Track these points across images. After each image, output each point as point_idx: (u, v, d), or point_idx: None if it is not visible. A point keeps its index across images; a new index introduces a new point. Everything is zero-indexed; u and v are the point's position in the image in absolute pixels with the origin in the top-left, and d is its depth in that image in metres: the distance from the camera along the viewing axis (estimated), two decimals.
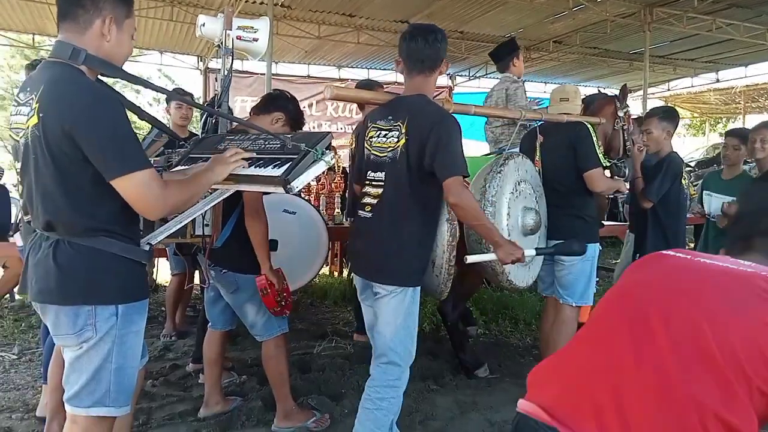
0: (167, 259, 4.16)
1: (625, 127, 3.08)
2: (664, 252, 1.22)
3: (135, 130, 1.54)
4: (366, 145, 2.23)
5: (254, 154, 1.83)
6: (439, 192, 2.08)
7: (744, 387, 0.94)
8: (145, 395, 2.92)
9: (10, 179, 5.12)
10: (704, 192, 3.73)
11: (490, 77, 12.13)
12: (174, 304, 4.07)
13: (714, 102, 15.85)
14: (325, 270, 6.24)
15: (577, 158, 2.77)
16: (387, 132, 2.14)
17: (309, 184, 4.33)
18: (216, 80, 6.34)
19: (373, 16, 8.93)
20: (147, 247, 1.70)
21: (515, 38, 4.57)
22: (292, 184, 1.66)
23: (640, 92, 9.64)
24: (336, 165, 4.72)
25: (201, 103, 6.94)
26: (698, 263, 1.13)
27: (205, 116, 2.68)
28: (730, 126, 16.95)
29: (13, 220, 4.00)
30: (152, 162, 1.86)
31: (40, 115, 1.45)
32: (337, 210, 4.47)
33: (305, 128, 2.78)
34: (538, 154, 2.87)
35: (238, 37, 2.53)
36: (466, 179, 2.09)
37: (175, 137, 2.28)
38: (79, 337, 1.53)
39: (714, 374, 0.95)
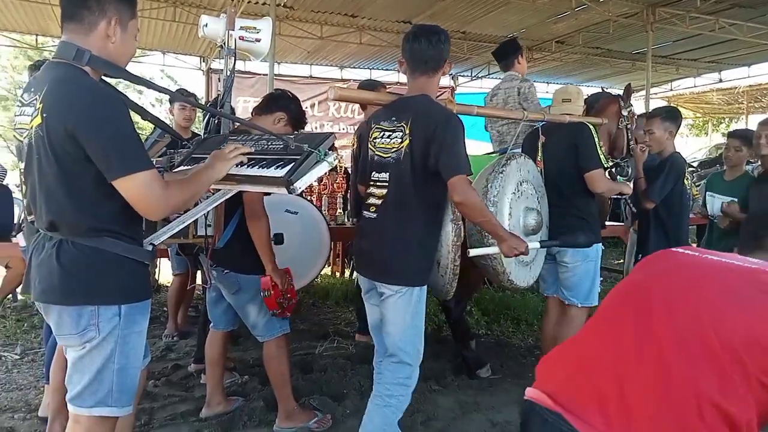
0: (169, 260, 4.17)
1: (629, 127, 3.08)
2: (673, 249, 1.25)
3: (138, 131, 1.54)
4: (370, 146, 2.24)
5: (253, 149, 1.83)
6: (443, 192, 2.09)
7: (743, 378, 0.96)
8: (147, 395, 2.92)
9: (13, 179, 5.13)
10: (707, 193, 3.73)
11: (492, 77, 12.11)
12: (176, 305, 4.08)
13: (717, 102, 15.83)
14: (327, 270, 6.25)
15: (578, 158, 2.78)
16: (391, 133, 2.15)
17: (311, 184, 4.33)
18: (218, 81, 6.35)
19: (375, 16, 8.92)
20: (150, 248, 1.70)
21: (517, 38, 4.57)
22: (295, 184, 1.66)
23: (643, 92, 9.60)
24: (338, 165, 4.74)
25: (203, 103, 6.96)
26: (705, 260, 1.16)
27: (207, 117, 2.68)
28: (733, 126, 16.93)
29: (16, 221, 4.01)
30: (154, 162, 1.87)
31: (44, 115, 1.46)
32: (339, 210, 4.47)
33: (307, 129, 2.78)
34: (540, 154, 2.87)
35: (241, 38, 2.53)
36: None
37: (178, 137, 2.28)
38: (82, 337, 1.54)
39: (713, 365, 0.98)
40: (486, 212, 2.12)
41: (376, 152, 2.20)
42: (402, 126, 2.11)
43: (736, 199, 3.34)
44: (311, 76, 11.69)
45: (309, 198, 4.44)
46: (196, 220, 2.13)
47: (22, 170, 1.63)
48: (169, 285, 4.50)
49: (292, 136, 1.87)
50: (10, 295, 4.83)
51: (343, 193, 4.68)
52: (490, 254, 2.33)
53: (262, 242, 2.37)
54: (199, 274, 4.11)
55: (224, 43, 2.51)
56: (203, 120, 2.96)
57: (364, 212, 2.23)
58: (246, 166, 1.80)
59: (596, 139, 2.81)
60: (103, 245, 1.53)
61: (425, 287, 2.15)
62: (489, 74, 12.43)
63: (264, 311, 2.47)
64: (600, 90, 3.53)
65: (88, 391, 1.56)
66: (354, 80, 10.85)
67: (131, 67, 1.69)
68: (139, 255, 1.62)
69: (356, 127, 4.49)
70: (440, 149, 1.99)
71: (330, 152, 1.74)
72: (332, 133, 1.88)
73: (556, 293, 3.03)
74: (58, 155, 1.46)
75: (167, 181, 1.58)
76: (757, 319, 0.99)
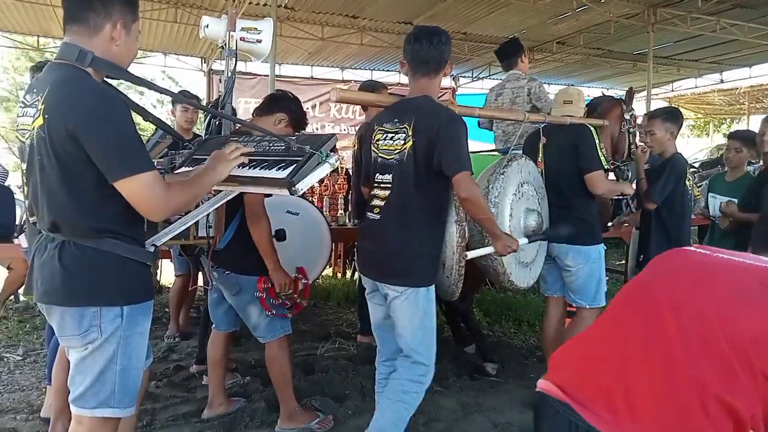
0: (171, 261, 4.17)
1: (631, 130, 3.09)
2: (684, 248, 1.28)
3: (139, 132, 1.54)
4: (373, 148, 2.25)
5: (254, 150, 1.83)
6: (446, 193, 2.12)
7: (749, 376, 0.98)
8: (149, 396, 2.92)
9: (15, 181, 5.14)
10: (709, 194, 3.73)
11: (493, 78, 12.12)
12: (178, 306, 4.08)
13: (718, 103, 15.84)
14: (329, 271, 6.25)
15: (578, 159, 2.78)
16: (394, 134, 2.16)
17: (312, 185, 4.34)
18: (219, 82, 6.36)
19: (376, 17, 8.93)
20: (152, 249, 1.70)
21: (518, 39, 4.59)
22: (297, 186, 1.66)
23: (644, 93, 9.60)
24: (339, 166, 4.74)
25: (204, 104, 6.96)
26: (716, 258, 1.18)
27: (208, 118, 2.68)
28: (735, 127, 16.91)
29: (17, 222, 4.01)
30: (155, 163, 1.87)
31: (46, 116, 1.46)
32: (340, 211, 4.48)
33: (308, 129, 2.79)
34: (540, 155, 2.87)
35: (242, 39, 2.54)
36: None
37: (180, 138, 2.29)
38: (84, 338, 1.54)
39: (719, 361, 0.99)
40: (488, 210, 2.18)
41: (379, 154, 2.21)
42: (405, 127, 2.11)
43: (734, 200, 3.35)
44: (312, 77, 11.71)
45: (310, 199, 4.44)
46: (197, 221, 2.13)
47: (24, 171, 1.64)
48: (170, 286, 4.50)
49: (293, 138, 1.87)
50: (12, 297, 4.83)
51: (344, 194, 4.68)
52: (485, 254, 2.34)
53: (264, 243, 2.37)
54: (200, 275, 4.13)
55: (225, 44, 2.52)
56: (204, 121, 2.96)
57: (368, 213, 2.24)
58: (248, 167, 1.80)
59: (597, 141, 2.82)
60: (104, 246, 1.53)
61: (432, 288, 2.16)
62: (490, 75, 12.43)
63: (266, 312, 2.47)
64: (601, 93, 3.54)
65: (91, 392, 1.56)
66: (355, 81, 10.87)
67: (133, 69, 1.69)
68: (141, 256, 1.62)
69: (357, 128, 4.50)
70: (444, 148, 2.01)
71: (331, 154, 1.74)
72: (334, 134, 1.88)
73: (556, 294, 3.03)
74: (59, 156, 1.46)
75: (169, 183, 1.58)
76: (766, 318, 1.00)
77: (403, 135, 2.11)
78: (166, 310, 4.44)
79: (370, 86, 3.57)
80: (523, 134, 3.10)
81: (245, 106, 9.67)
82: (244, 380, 3.25)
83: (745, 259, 1.16)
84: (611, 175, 3.15)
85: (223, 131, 2.52)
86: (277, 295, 2.43)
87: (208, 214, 2.14)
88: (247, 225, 2.36)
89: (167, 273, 5.42)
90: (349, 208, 4.38)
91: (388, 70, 11.91)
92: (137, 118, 1.68)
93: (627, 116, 3.09)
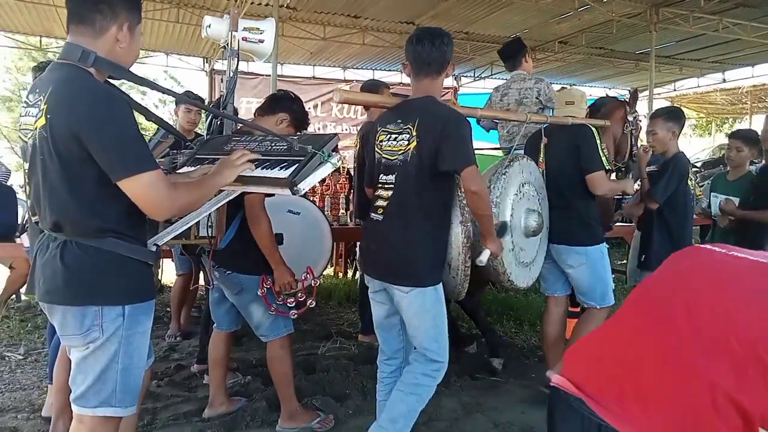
0: (172, 260, 4.18)
1: (633, 132, 3.09)
2: (701, 246, 1.28)
3: (142, 132, 1.55)
4: (376, 149, 2.25)
5: (260, 156, 1.84)
6: (450, 193, 2.13)
7: (760, 374, 0.99)
8: (150, 395, 2.93)
9: (17, 180, 5.15)
10: (711, 194, 3.73)
11: (495, 78, 12.11)
12: (179, 305, 4.09)
13: (720, 102, 15.80)
14: (330, 271, 6.26)
15: (580, 160, 2.78)
16: (397, 135, 2.16)
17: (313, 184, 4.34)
18: (221, 81, 6.37)
19: (378, 17, 8.93)
20: (154, 248, 1.71)
21: (521, 39, 4.59)
22: (299, 185, 1.66)
23: (646, 93, 9.59)
24: (341, 166, 4.74)
25: (206, 104, 6.96)
26: (731, 257, 1.20)
27: (210, 118, 2.69)
28: (737, 126, 16.91)
29: (20, 221, 4.02)
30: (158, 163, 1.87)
31: (48, 116, 1.46)
32: (341, 211, 4.48)
33: (310, 129, 2.79)
34: (542, 155, 2.87)
35: (244, 39, 2.54)
36: None
37: (182, 138, 2.29)
38: (86, 337, 1.54)
39: (730, 360, 1.00)
40: (491, 207, 2.22)
41: (383, 155, 2.21)
42: (408, 128, 2.12)
43: (732, 198, 3.35)
44: (314, 77, 11.71)
45: (311, 198, 4.44)
46: (198, 221, 2.13)
47: (26, 171, 1.64)
48: (172, 285, 4.51)
49: (295, 137, 1.88)
50: (14, 296, 4.85)
51: (345, 193, 4.69)
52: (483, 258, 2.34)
53: (266, 243, 2.38)
54: (202, 274, 4.13)
55: (227, 44, 2.52)
56: (206, 121, 2.97)
57: (372, 214, 2.24)
58: None
59: (598, 141, 2.82)
60: (106, 246, 1.54)
61: (440, 286, 2.16)
62: (492, 75, 12.43)
63: (268, 311, 2.47)
64: (605, 93, 3.54)
65: (92, 391, 1.56)
66: (357, 81, 10.88)
67: (135, 69, 1.70)
68: (142, 255, 1.62)
69: (359, 128, 4.50)
70: (450, 146, 2.02)
71: (333, 153, 1.75)
72: (336, 134, 1.89)
73: (557, 293, 3.03)
74: (62, 156, 1.47)
75: (175, 183, 1.58)
76: None
77: (407, 136, 2.11)
78: (168, 309, 4.45)
79: (373, 86, 3.57)
80: (526, 134, 3.10)
81: (247, 106, 9.67)
82: (245, 379, 3.25)
83: (759, 257, 1.17)
84: (612, 176, 3.15)
85: (225, 131, 2.52)
86: (279, 293, 2.43)
87: (209, 214, 2.14)
88: (248, 224, 2.37)
89: (169, 272, 5.43)
90: (351, 208, 4.38)
91: (390, 70, 11.91)
92: (139, 118, 1.69)
93: (630, 118, 3.09)
